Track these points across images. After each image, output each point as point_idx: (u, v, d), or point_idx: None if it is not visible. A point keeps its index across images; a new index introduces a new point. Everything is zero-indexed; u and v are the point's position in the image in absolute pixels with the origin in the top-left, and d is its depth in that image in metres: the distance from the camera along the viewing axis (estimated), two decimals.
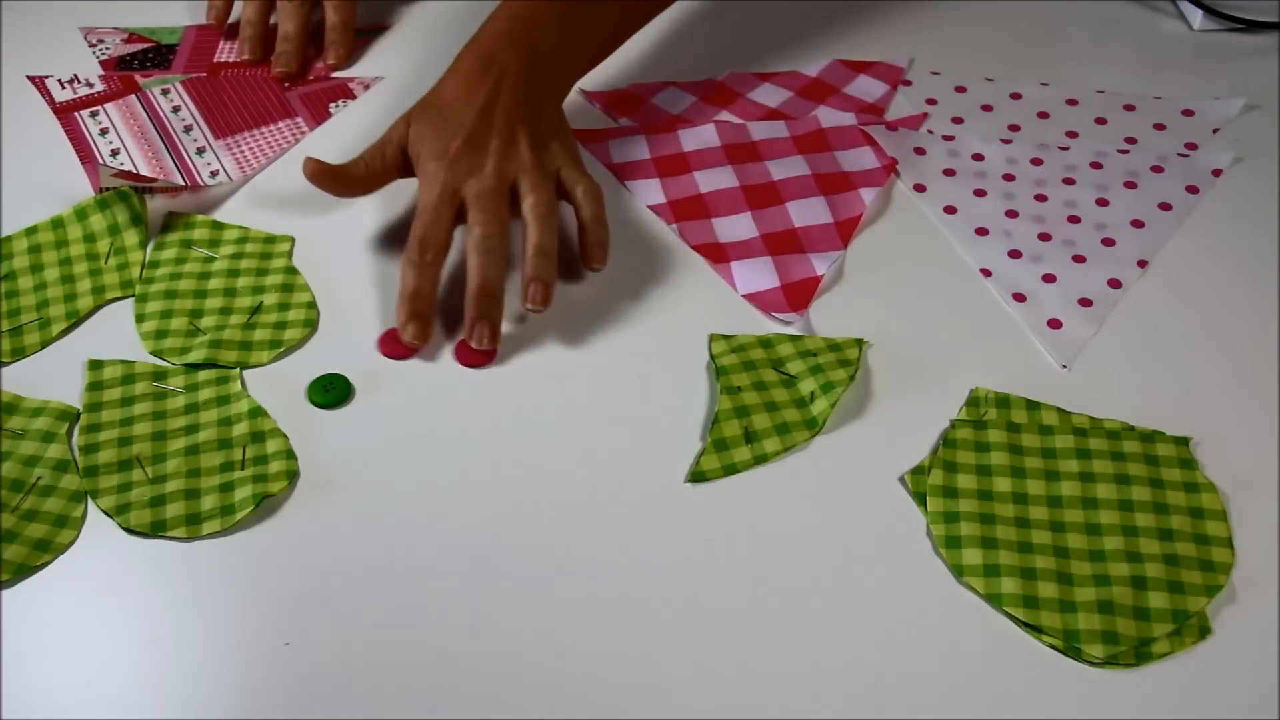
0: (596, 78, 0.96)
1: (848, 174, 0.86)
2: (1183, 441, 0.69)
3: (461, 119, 0.79)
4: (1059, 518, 0.66)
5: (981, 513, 0.66)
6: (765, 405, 0.72)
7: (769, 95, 0.95)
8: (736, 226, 0.83)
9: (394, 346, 0.76)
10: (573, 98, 0.93)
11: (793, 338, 0.76)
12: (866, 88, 0.95)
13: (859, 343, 0.75)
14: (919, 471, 0.69)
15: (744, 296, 0.79)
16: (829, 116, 0.92)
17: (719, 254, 0.82)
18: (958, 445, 0.70)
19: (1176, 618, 0.62)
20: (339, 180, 0.81)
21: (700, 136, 0.90)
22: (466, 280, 0.75)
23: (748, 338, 0.76)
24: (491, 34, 0.83)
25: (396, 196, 0.86)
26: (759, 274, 0.80)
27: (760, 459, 0.70)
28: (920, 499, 0.68)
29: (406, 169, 0.81)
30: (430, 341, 0.75)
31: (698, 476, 0.69)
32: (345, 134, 0.92)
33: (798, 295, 0.79)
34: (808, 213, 0.84)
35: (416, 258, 0.75)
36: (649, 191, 0.87)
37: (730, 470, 0.69)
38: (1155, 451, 0.69)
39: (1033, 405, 0.72)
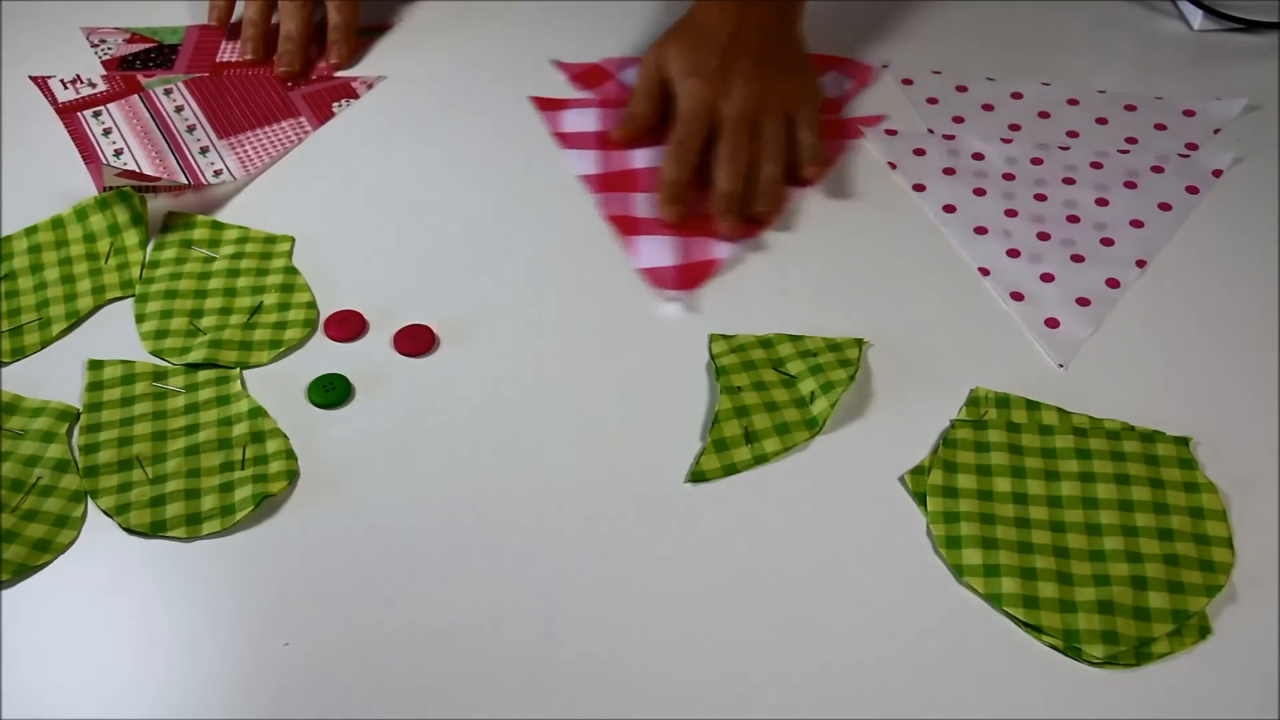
0: (571, 50, 0.98)
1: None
2: (1183, 441, 0.69)
3: (713, 39, 0.87)
4: (1059, 518, 0.66)
5: (981, 513, 0.66)
6: (765, 405, 0.72)
7: None
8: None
9: (339, 330, 0.77)
10: (543, 67, 0.97)
11: (792, 337, 0.76)
12: (832, 84, 0.95)
13: (859, 343, 0.75)
14: (919, 471, 0.69)
15: (638, 271, 0.80)
16: None
17: (630, 226, 0.83)
18: (958, 445, 0.70)
19: (1176, 618, 0.62)
20: (633, 123, 0.89)
21: None
22: (714, 189, 0.83)
23: (747, 337, 0.76)
24: None
25: (394, 195, 0.86)
26: (659, 250, 0.81)
27: (760, 459, 0.70)
28: (920, 499, 0.68)
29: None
30: (682, 217, 0.82)
31: (698, 476, 0.69)
32: (349, 134, 0.92)
33: (689, 275, 0.80)
34: None
35: (679, 154, 0.84)
36: (583, 162, 0.88)
37: (730, 470, 0.69)
38: (1155, 451, 0.69)
39: (1033, 405, 0.72)
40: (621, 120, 0.89)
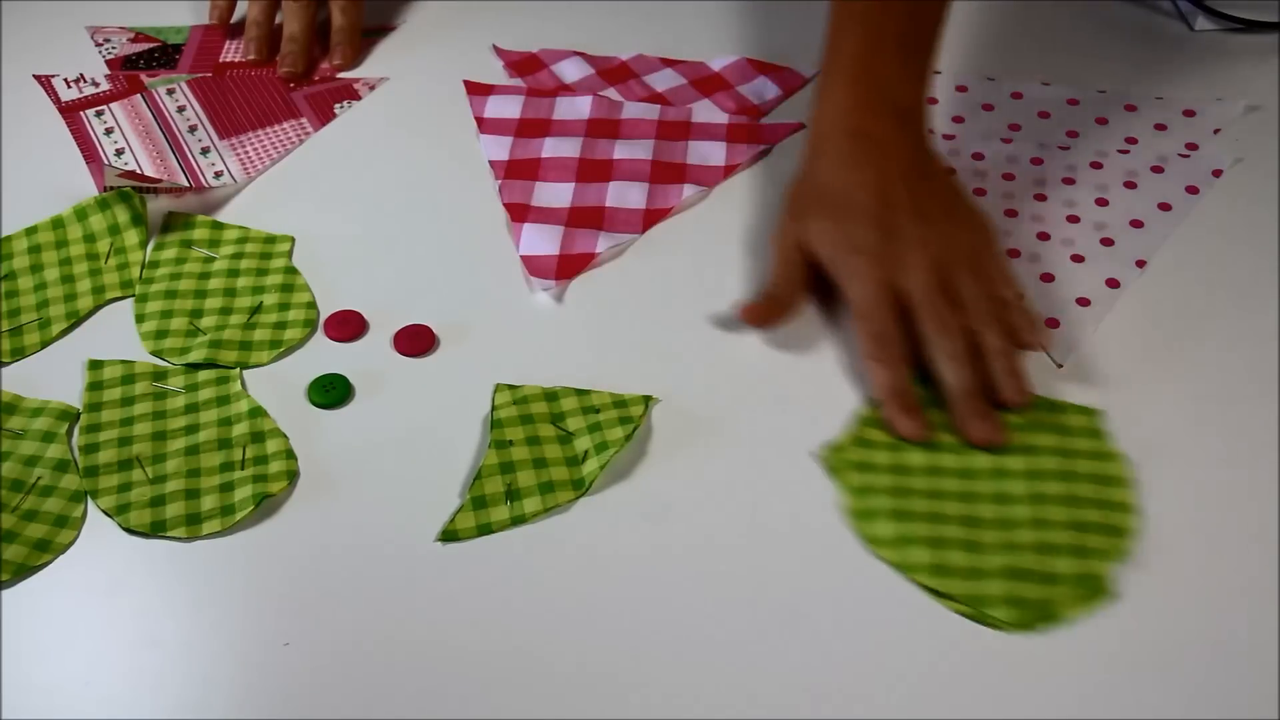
0: (510, 38, 1.00)
1: (685, 166, 0.87)
2: (1091, 412, 0.71)
3: (860, 204, 0.75)
4: (970, 489, 0.67)
5: (895, 486, 0.68)
6: (534, 462, 0.69)
7: (663, 80, 0.95)
8: (553, 194, 0.85)
9: (339, 330, 0.77)
10: (480, 53, 0.98)
11: (579, 392, 0.73)
12: (759, 89, 0.95)
13: (646, 400, 0.73)
14: (836, 449, 0.70)
15: (520, 257, 0.81)
16: (704, 111, 0.93)
17: (521, 214, 0.84)
18: (873, 422, 0.71)
19: (1082, 582, 0.63)
20: (777, 310, 0.75)
21: (574, 107, 0.92)
22: (947, 391, 0.71)
23: (533, 389, 0.73)
24: (846, 105, 0.78)
25: (395, 195, 0.86)
26: (543, 239, 0.82)
27: (519, 519, 0.67)
28: (836, 475, 0.69)
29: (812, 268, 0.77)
30: (925, 430, 0.70)
31: (449, 536, 0.67)
32: (350, 135, 0.92)
33: (566, 266, 0.80)
34: (623, 195, 0.85)
35: (883, 354, 0.71)
36: (496, 147, 0.90)
37: (485, 531, 0.67)
38: (1065, 421, 0.70)
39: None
40: (757, 300, 0.76)
